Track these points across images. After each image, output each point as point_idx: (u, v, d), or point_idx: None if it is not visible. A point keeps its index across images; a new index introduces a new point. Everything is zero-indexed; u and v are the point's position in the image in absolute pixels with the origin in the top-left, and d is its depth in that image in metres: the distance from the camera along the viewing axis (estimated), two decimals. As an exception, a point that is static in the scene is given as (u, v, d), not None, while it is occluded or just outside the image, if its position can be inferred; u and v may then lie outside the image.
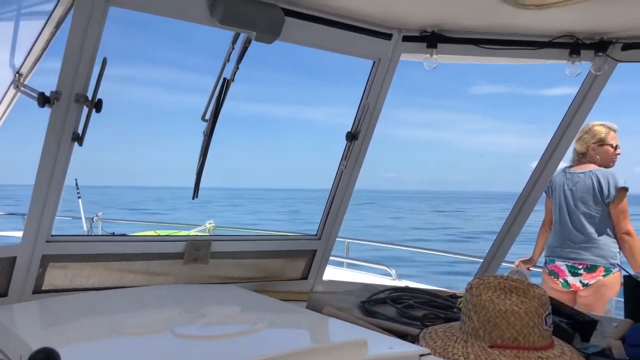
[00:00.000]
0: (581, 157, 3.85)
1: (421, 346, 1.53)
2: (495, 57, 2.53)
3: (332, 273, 4.71)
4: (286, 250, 2.70)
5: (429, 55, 2.43)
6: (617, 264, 3.71)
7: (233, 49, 2.18)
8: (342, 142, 2.67)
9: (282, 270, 2.71)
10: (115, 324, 1.60)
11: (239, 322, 1.67)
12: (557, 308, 2.00)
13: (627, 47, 2.43)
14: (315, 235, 2.78)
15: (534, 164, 2.91)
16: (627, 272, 3.39)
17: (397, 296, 2.31)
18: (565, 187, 3.85)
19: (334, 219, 2.76)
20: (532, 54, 2.47)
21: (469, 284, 1.64)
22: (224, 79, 2.24)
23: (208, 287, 2.33)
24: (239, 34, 2.16)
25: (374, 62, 2.51)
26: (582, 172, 3.80)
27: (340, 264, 5.52)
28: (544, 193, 3.97)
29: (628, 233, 3.70)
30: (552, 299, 2.06)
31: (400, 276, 4.84)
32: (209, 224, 8.27)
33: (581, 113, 2.65)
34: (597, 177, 3.73)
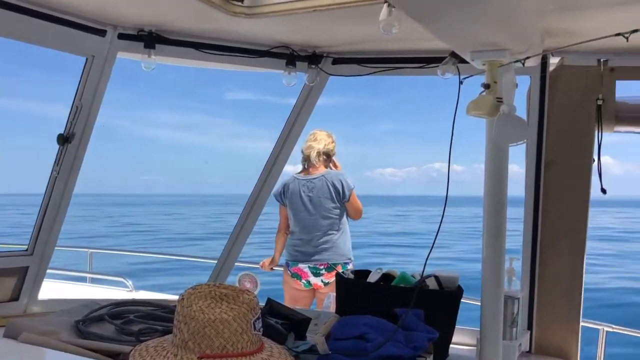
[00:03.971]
0: (309, 162, 4.09)
1: None
2: (215, 63, 2.53)
3: (65, 289, 4.30)
4: None
5: (147, 56, 2.32)
6: (350, 258, 4.05)
7: None
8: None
9: None
10: None
11: None
12: (275, 309, 2.05)
13: (336, 61, 2.62)
14: (26, 250, 2.48)
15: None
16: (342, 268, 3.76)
17: (118, 312, 2.16)
18: (302, 193, 4.04)
19: (49, 230, 2.49)
20: (251, 62, 2.51)
21: (181, 295, 1.58)
22: None
23: None
24: None
25: (87, 59, 2.32)
26: (315, 177, 4.04)
27: (81, 279, 5.06)
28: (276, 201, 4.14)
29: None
30: (271, 301, 2.12)
31: (140, 287, 4.63)
32: None
33: (300, 121, 2.78)
34: (331, 180, 4.01)
